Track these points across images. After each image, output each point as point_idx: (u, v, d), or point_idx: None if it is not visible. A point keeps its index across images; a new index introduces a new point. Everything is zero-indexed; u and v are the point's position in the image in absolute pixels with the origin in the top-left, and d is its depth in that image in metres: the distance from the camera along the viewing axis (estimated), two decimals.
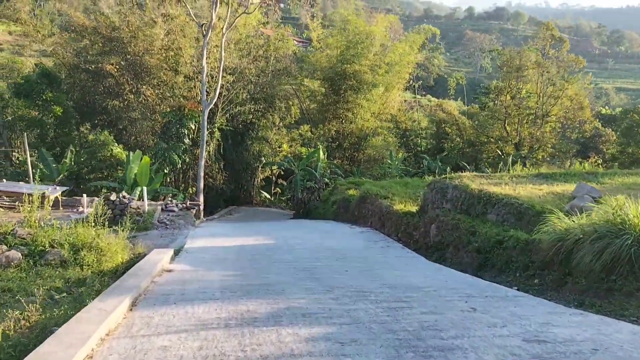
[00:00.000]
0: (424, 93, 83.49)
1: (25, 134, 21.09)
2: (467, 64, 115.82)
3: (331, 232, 14.58)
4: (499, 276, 9.15)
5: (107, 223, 10.62)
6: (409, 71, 38.56)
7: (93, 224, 9.49)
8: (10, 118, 28.16)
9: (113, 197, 13.91)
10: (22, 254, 8.14)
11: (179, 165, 26.67)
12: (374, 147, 38.23)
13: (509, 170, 19.62)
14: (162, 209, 16.10)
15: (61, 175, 22.59)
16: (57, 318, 5.44)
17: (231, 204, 35.26)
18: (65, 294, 6.88)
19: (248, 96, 34.44)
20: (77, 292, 6.98)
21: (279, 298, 6.75)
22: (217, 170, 32.27)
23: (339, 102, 36.06)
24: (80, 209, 15.05)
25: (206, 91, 26.30)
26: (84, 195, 15.42)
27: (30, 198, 9.36)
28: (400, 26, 67.59)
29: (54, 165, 23.23)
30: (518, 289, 8.10)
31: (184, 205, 17.07)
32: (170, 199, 18.12)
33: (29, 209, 9.22)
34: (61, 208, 15.54)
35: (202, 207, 25.83)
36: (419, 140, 42.96)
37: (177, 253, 10.65)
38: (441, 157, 34.92)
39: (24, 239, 8.67)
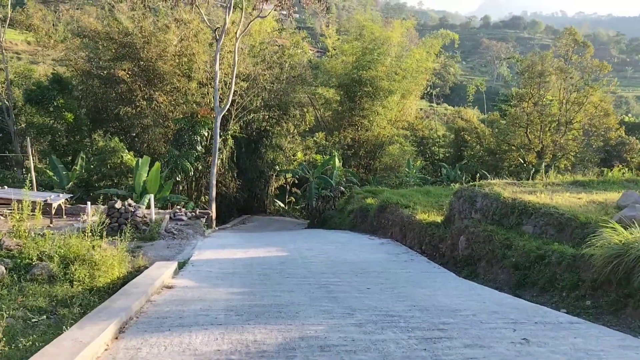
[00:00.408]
0: (440, 101, 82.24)
1: (29, 138, 20.45)
2: (483, 73, 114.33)
3: (349, 244, 13.52)
4: (542, 296, 8.03)
5: (106, 233, 9.75)
6: (426, 78, 37.44)
7: (91, 234, 8.60)
8: (23, 125, 27.75)
9: (118, 204, 13.05)
10: (5, 268, 7.24)
11: (191, 173, 25.86)
12: (390, 155, 37.15)
13: (531, 178, 18.40)
14: (170, 218, 15.19)
15: (71, 183, 21.92)
16: (23, 350, 4.49)
17: (244, 213, 34.42)
18: (46, 316, 5.95)
19: (262, 103, 33.70)
20: (61, 314, 6.05)
21: (292, 323, 5.72)
22: (230, 178, 31.47)
23: (355, 109, 35.12)
24: (84, 217, 14.23)
25: (219, 97, 25.55)
26: (89, 203, 14.62)
27: (21, 205, 8.50)
28: (415, 35, 66.65)
29: (64, 172, 22.60)
30: (567, 312, 6.97)
31: (194, 213, 16.11)
32: (179, 207, 17.13)
33: (18, 217, 8.34)
34: (65, 216, 14.73)
35: (214, 216, 24.99)
36: (437, 149, 41.73)
37: (181, 266, 9.69)
38: (460, 165, 33.64)
39: (10, 250, 7.79)
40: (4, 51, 26.61)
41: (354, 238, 14.69)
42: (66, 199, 15.53)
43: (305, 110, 34.32)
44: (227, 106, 25.24)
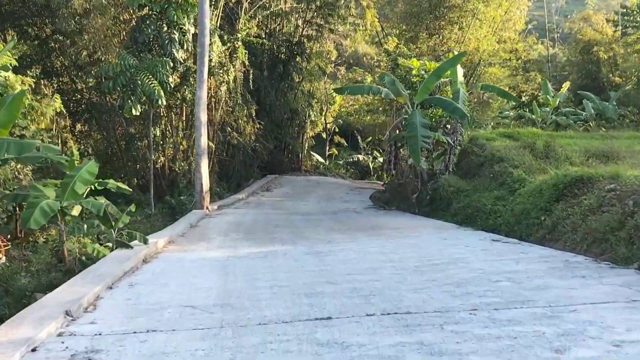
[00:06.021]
0: None
1: None
2: (537, 8, 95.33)
3: None
4: None
5: None
6: None
7: None
8: None
9: None
10: None
11: (162, 103, 12.52)
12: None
13: None
14: None
15: None
16: None
17: (270, 172, 21.41)
18: None
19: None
20: None
21: None
22: (245, 118, 17.99)
23: (438, 6, 20.81)
24: None
25: None
26: None
27: None
28: None
29: None
30: None
31: None
32: None
33: None
34: None
35: (205, 186, 11.84)
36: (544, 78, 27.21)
37: None
38: (624, 92, 19.21)
39: None
40: None
41: None
42: None
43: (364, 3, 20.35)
44: None
